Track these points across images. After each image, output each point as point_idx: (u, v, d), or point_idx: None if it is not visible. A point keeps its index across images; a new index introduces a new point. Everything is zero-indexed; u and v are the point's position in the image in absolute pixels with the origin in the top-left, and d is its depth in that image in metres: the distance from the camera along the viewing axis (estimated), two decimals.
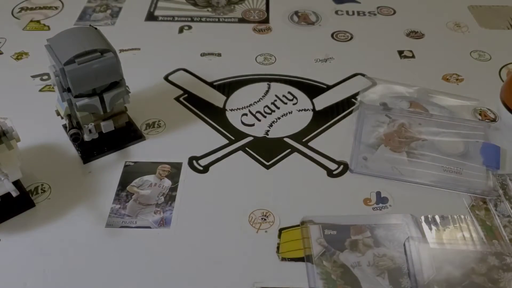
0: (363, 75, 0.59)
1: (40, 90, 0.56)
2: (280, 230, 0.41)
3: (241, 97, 0.56)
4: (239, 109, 0.54)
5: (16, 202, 0.41)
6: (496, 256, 0.39)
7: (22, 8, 0.70)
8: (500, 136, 0.50)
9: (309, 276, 0.38)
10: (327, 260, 0.38)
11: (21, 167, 0.41)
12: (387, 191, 0.45)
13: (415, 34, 0.67)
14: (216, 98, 0.55)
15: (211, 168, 0.47)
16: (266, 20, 0.69)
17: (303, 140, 0.50)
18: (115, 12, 0.70)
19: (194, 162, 0.47)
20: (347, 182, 0.46)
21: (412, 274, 0.37)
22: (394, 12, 0.72)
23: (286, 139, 0.50)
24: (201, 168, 0.47)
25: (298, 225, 0.41)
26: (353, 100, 0.55)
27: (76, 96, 0.43)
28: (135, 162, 0.47)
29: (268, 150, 0.49)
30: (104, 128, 0.47)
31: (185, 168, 0.47)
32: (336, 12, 0.71)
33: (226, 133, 0.51)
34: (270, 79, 0.58)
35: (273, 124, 0.52)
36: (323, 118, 0.53)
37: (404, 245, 0.39)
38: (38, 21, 0.68)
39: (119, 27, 0.67)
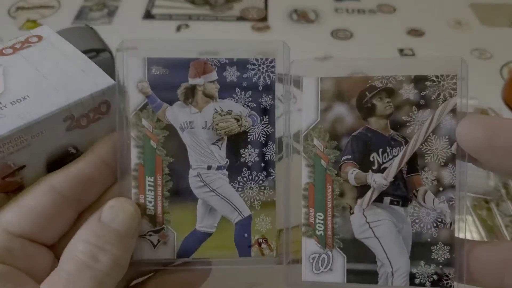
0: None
1: None
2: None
3: None
4: None
5: None
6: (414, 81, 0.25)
7: (18, 8, 0.70)
8: None
9: (122, 143, 0.26)
10: (147, 118, 0.26)
11: None
12: None
13: (415, 32, 0.66)
14: None
15: None
16: (265, 19, 0.69)
17: None
18: (112, 11, 0.69)
19: None
20: None
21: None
22: (395, 10, 0.71)
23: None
24: None
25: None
26: None
27: None
28: None
29: None
30: None
31: None
32: (336, 10, 0.71)
33: None
34: None
35: None
36: None
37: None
38: (35, 21, 0.67)
39: (116, 26, 0.66)
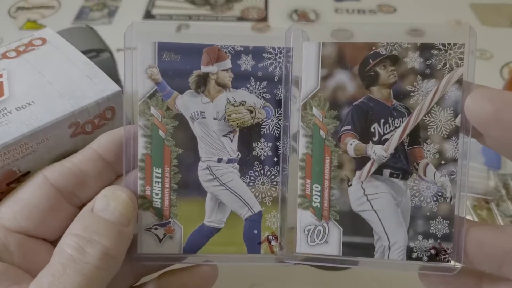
0: None
1: None
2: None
3: None
4: None
5: None
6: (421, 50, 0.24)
7: (18, 8, 0.70)
8: None
9: (125, 132, 0.25)
10: (156, 106, 0.24)
11: None
12: None
13: (415, 32, 0.66)
14: None
15: None
16: (265, 19, 0.69)
17: None
18: (112, 11, 0.69)
19: None
20: None
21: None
22: (395, 10, 0.71)
23: None
24: None
25: None
26: None
27: None
28: None
29: None
30: None
31: None
32: (336, 10, 0.71)
33: None
34: None
35: None
36: None
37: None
38: (35, 21, 0.67)
39: (116, 26, 0.66)
